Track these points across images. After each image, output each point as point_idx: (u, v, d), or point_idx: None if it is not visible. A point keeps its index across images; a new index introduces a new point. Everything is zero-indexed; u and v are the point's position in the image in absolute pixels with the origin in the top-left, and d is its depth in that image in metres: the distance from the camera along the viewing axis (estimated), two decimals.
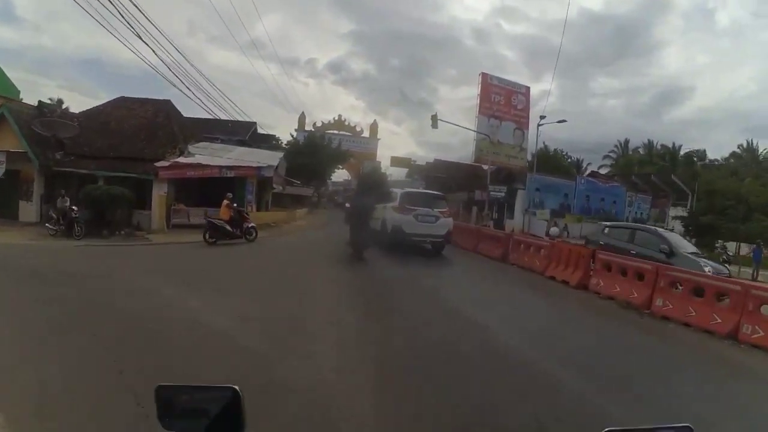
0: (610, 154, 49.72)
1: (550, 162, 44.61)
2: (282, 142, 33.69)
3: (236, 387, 1.01)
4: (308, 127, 47.74)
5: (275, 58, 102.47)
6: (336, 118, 67.10)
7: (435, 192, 14.67)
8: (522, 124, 28.47)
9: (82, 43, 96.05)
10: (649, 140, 46.90)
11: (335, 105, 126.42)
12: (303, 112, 51.98)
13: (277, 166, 17.42)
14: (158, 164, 15.24)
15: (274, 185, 17.55)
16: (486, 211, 25.15)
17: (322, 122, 58.99)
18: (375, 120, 76.23)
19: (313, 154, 31.97)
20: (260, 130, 34.53)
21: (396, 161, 41.31)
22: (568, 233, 21.47)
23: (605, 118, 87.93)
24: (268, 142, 32.27)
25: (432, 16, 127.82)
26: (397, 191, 12.66)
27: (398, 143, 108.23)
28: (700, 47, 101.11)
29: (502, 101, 26.88)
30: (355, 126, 71.71)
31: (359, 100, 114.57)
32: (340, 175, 78.21)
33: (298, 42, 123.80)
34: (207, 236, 12.61)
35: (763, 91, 70.06)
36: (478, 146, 26.11)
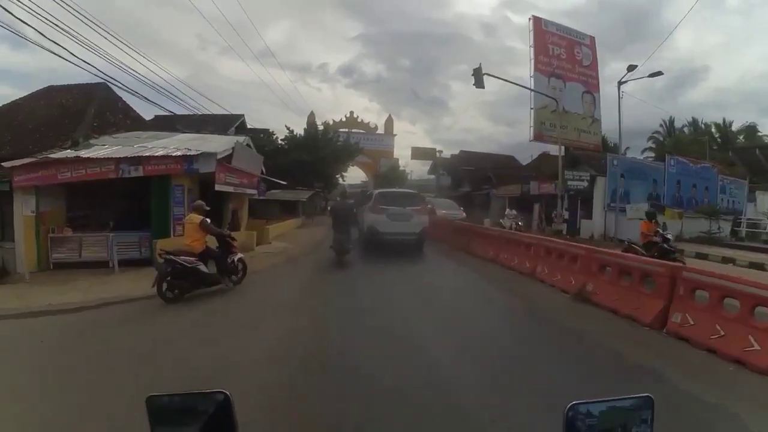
0: (655, 135, 41.88)
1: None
2: (277, 137, 27.58)
3: (226, 391, 1.03)
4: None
5: (286, 65, 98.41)
6: (348, 116, 61.08)
7: (409, 190, 14.45)
8: (591, 86, 20.94)
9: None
10: (693, 118, 39.29)
11: (349, 108, 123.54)
12: (312, 111, 46.25)
13: (228, 158, 10.78)
14: (8, 164, 9.05)
15: (222, 185, 10.39)
16: (558, 210, 17.98)
17: (333, 120, 53.11)
18: (390, 115, 69.79)
19: (315, 150, 25.74)
20: (251, 124, 28.51)
21: (418, 153, 34.65)
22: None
23: (624, 103, 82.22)
24: (262, 139, 26.20)
25: (438, 13, 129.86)
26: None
27: (414, 142, 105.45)
28: (712, 27, 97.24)
29: (564, 54, 19.33)
30: (368, 122, 65.92)
31: (373, 102, 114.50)
32: (356, 177, 72.87)
33: (307, 48, 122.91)
34: (164, 288, 6.76)
35: None
36: (537, 117, 18.55)
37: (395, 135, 69.49)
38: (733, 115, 73.90)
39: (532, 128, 18.25)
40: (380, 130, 66.71)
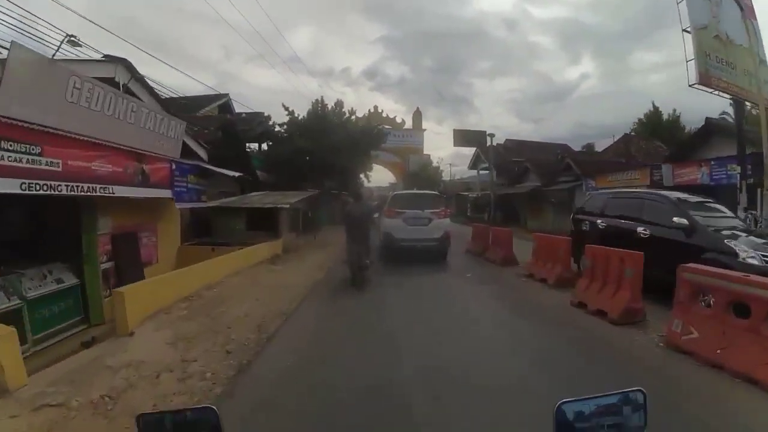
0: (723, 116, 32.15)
1: (660, 130, 28.51)
2: (274, 123, 20.53)
3: (213, 407, 1.07)
4: None
5: (311, 71, 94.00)
6: (372, 110, 54.10)
7: (428, 191, 13.02)
8: (747, 8, 12.75)
9: None
10: (674, 108, 30.41)
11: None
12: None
13: None
14: None
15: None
16: (740, 204, 9.42)
17: (355, 116, 45.87)
18: (417, 108, 62.20)
19: (323, 135, 18.61)
20: (240, 109, 21.75)
21: (462, 137, 26.60)
22: None
23: (650, 95, 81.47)
24: (250, 123, 19.21)
25: (459, 11, 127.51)
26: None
27: (442, 143, 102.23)
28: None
29: None
30: (394, 117, 58.66)
31: (398, 104, 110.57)
32: (381, 179, 65.78)
33: (330, 53, 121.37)
34: None
35: None
36: (699, 44, 10.07)
37: (425, 130, 62.05)
38: None
39: (692, 63, 10.13)
40: (408, 125, 59.71)
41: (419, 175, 43.55)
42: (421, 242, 9.92)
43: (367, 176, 38.89)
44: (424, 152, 57.22)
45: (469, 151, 33.06)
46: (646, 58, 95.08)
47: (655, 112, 32.32)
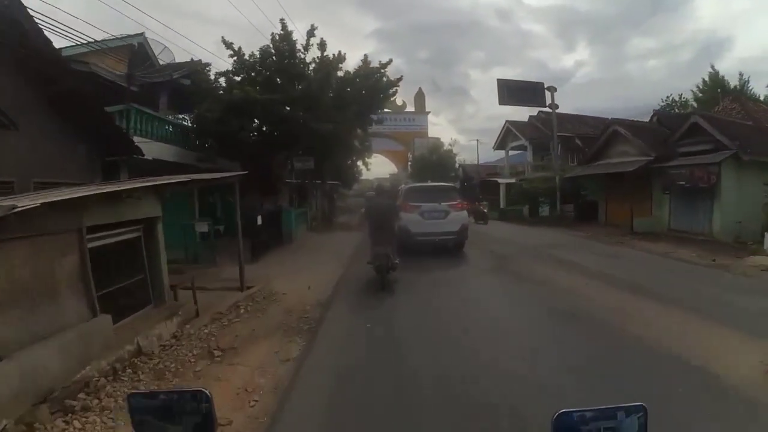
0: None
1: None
2: (210, 72, 12.50)
3: (205, 390, 1.04)
4: None
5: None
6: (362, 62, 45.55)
7: (443, 183, 12.96)
8: None
9: None
10: (740, 72, 28.01)
11: None
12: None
13: None
14: None
15: None
16: None
17: (344, 69, 37.78)
18: (420, 88, 54.10)
19: (292, 82, 10.61)
20: (165, 58, 13.46)
21: (509, 90, 17.71)
22: None
23: (647, 81, 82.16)
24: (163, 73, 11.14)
25: (452, 2, 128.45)
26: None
27: (439, 133, 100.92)
28: None
29: None
30: (394, 99, 50.40)
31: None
32: (378, 172, 57.81)
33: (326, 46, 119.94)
34: None
35: None
36: None
37: (428, 112, 53.89)
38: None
39: None
40: (410, 108, 51.56)
41: (427, 159, 35.41)
42: (439, 236, 9.69)
43: (365, 163, 30.82)
44: (428, 136, 49.12)
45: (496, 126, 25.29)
46: (643, 44, 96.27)
47: (717, 77, 26.82)
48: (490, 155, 33.96)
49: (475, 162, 34.14)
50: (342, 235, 14.36)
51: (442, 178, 34.60)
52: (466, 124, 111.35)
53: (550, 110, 17.24)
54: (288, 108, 10.84)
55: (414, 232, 9.40)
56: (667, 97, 28.45)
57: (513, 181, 23.32)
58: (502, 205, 24.11)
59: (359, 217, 11.70)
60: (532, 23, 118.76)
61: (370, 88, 13.05)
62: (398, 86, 13.16)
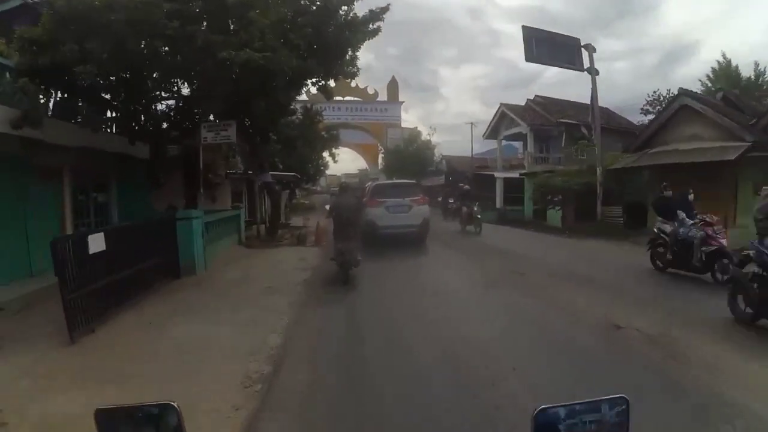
0: None
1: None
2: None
3: (174, 403, 0.99)
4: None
5: None
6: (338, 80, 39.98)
7: (406, 180, 13.83)
8: None
9: None
10: (755, 61, 24.02)
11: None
12: None
13: None
14: None
15: None
16: None
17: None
18: (393, 77, 49.38)
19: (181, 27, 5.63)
20: None
21: (538, 42, 12.50)
22: None
23: (614, 82, 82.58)
24: None
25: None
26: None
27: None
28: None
29: None
30: (365, 88, 45.36)
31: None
32: (343, 168, 52.72)
33: None
34: None
35: None
36: None
37: (402, 102, 49.25)
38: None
39: None
40: (382, 97, 46.71)
41: (403, 152, 30.73)
42: (403, 228, 10.25)
43: (332, 155, 25.48)
44: (402, 125, 44.46)
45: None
46: (610, 46, 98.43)
47: (728, 68, 24.27)
48: (467, 147, 29.48)
49: (464, 154, 29.44)
50: (289, 253, 9.31)
51: (419, 173, 30.33)
52: (436, 120, 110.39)
53: (587, 75, 12.37)
54: (179, 24, 5.63)
55: (380, 225, 10.10)
56: (654, 92, 25.31)
57: (515, 175, 18.88)
58: (498, 205, 19.71)
59: (325, 215, 9.94)
60: (502, 22, 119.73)
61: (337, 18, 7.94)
62: (382, 20, 8.15)
